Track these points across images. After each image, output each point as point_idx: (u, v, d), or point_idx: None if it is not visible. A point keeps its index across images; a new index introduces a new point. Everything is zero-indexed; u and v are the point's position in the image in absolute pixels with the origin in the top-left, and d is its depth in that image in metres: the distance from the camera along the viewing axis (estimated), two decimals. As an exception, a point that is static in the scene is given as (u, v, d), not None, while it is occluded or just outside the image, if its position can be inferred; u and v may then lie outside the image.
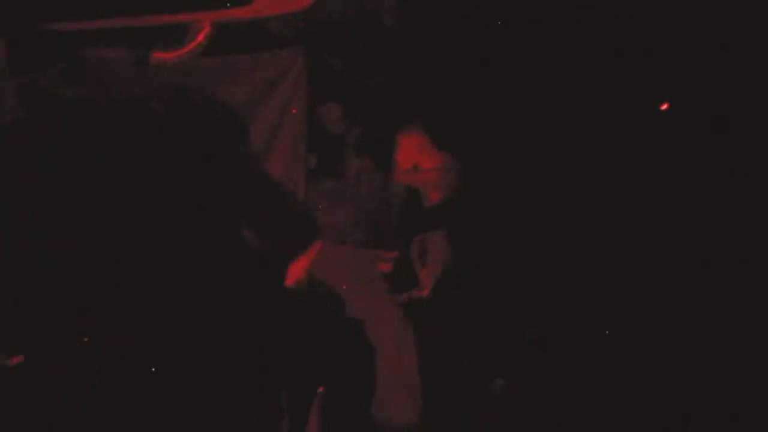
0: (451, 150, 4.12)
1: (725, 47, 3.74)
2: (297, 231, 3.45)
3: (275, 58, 4.27)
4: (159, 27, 4.04)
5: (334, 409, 3.63)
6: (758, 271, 3.70)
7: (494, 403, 3.92)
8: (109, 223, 3.06)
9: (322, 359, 3.49)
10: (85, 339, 3.08)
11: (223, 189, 3.19)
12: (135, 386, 3.05)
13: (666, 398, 3.71)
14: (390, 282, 4.15)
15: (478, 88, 4.03)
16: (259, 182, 3.38)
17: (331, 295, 3.71)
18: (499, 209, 4.00)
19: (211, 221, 3.15)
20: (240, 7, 3.99)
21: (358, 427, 3.73)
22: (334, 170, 4.36)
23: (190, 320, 3.08)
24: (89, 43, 3.99)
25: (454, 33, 4.11)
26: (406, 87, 4.24)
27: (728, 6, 3.75)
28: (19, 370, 3.08)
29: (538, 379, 3.87)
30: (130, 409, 3.03)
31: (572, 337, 3.87)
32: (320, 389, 3.59)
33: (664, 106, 3.91)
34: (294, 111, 4.24)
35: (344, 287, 3.80)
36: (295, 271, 3.45)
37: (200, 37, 4.11)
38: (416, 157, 4.15)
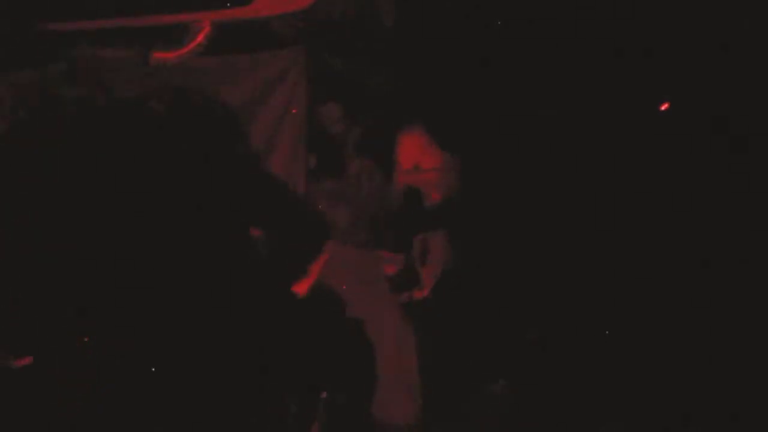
0: (452, 150, 4.12)
1: (725, 47, 3.74)
2: (307, 234, 3.45)
3: (275, 58, 4.26)
4: (159, 27, 4.04)
5: (334, 409, 3.63)
6: (758, 271, 3.70)
7: (494, 403, 3.92)
8: (109, 224, 3.06)
9: (322, 359, 3.49)
10: (85, 339, 3.08)
11: (223, 189, 3.18)
12: (136, 387, 3.05)
13: (666, 398, 3.71)
14: (391, 282, 4.16)
15: (478, 88, 4.03)
16: (263, 183, 3.38)
17: (332, 295, 3.71)
18: (499, 209, 4.00)
19: (211, 221, 3.15)
20: (240, 7, 4.00)
21: (358, 427, 3.73)
22: (334, 170, 4.36)
23: (190, 321, 3.08)
24: (89, 43, 3.99)
25: (454, 33, 4.11)
26: (406, 87, 4.24)
27: (728, 6, 3.75)
28: (19, 370, 3.07)
29: (538, 379, 3.87)
30: (130, 410, 3.03)
31: (572, 337, 3.87)
32: (323, 395, 3.59)
33: (664, 106, 3.91)
34: (294, 111, 4.23)
35: (344, 287, 3.80)
36: (307, 278, 3.45)
37: (200, 37, 4.11)
38: (417, 157, 4.15)
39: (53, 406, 3.05)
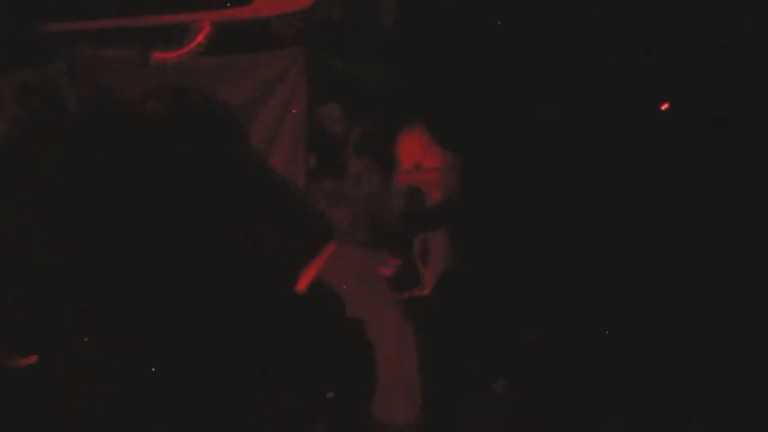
0: (453, 150, 4.12)
1: (725, 47, 3.74)
2: (308, 233, 3.45)
3: (275, 58, 4.26)
4: (159, 27, 4.04)
5: (334, 409, 3.63)
6: (758, 271, 3.70)
7: (494, 403, 3.92)
8: (109, 223, 3.06)
9: (322, 359, 3.49)
10: (86, 339, 3.08)
11: (223, 189, 3.18)
12: (136, 387, 3.05)
13: (666, 398, 3.71)
14: (391, 282, 4.16)
15: (478, 88, 4.03)
16: (264, 183, 3.37)
17: (332, 295, 3.71)
18: (499, 209, 4.00)
19: (211, 221, 3.15)
20: (240, 7, 4.00)
21: (358, 427, 3.73)
22: (334, 170, 4.36)
23: (190, 320, 3.08)
24: (89, 43, 3.99)
25: (454, 33, 4.11)
26: (406, 87, 4.24)
27: (728, 6, 3.75)
28: (20, 370, 3.07)
29: (538, 379, 3.87)
30: (131, 410, 3.03)
31: (572, 338, 3.87)
32: (330, 395, 3.59)
33: (665, 106, 3.91)
34: (294, 111, 4.23)
35: (344, 287, 3.80)
36: (308, 274, 3.45)
37: (200, 37, 4.11)
38: (418, 157, 4.15)
39: (53, 406, 3.05)
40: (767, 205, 3.72)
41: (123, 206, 3.07)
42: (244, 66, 4.22)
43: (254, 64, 4.24)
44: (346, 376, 3.63)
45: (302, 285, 3.43)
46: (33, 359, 3.06)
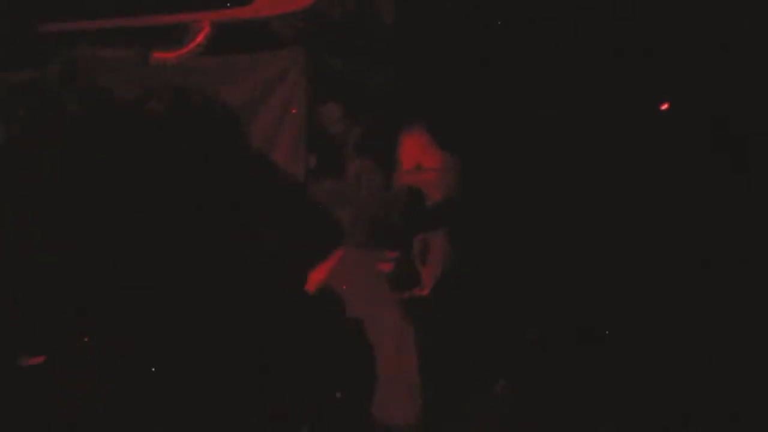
0: (453, 150, 4.12)
1: (725, 47, 3.74)
2: (312, 234, 3.45)
3: (275, 58, 4.26)
4: (159, 27, 4.04)
5: (334, 409, 3.63)
6: (758, 271, 3.70)
7: (494, 403, 3.92)
8: (109, 223, 3.06)
9: (322, 359, 3.49)
10: (88, 339, 3.08)
11: (223, 189, 3.18)
12: (137, 387, 3.05)
13: (666, 398, 3.71)
14: (391, 282, 4.15)
15: (478, 88, 4.03)
16: (264, 183, 3.38)
17: (332, 295, 3.71)
18: (499, 209, 4.00)
19: (211, 221, 3.15)
20: (240, 7, 4.00)
21: (358, 427, 3.73)
22: (334, 170, 4.36)
23: (192, 321, 3.08)
24: (89, 43, 3.99)
25: (454, 33, 4.11)
26: (406, 87, 4.24)
27: (728, 6, 3.75)
28: (23, 369, 3.08)
29: (538, 379, 3.87)
30: (133, 410, 3.04)
31: (572, 338, 3.87)
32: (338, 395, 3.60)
33: (664, 106, 3.91)
34: (294, 111, 4.23)
35: (344, 287, 3.80)
36: (317, 276, 3.45)
37: (200, 37, 4.11)
38: (418, 157, 4.15)
39: (55, 406, 3.05)
40: (767, 205, 3.72)
41: (123, 206, 3.07)
42: (244, 66, 4.22)
43: (254, 64, 4.23)
44: (346, 376, 3.63)
45: (312, 286, 3.43)
46: (38, 359, 3.07)
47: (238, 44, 4.22)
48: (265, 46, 4.28)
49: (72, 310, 3.07)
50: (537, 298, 3.90)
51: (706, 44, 3.76)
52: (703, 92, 3.78)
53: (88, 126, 3.14)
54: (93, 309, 3.07)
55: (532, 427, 3.83)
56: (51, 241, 3.05)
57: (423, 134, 4.15)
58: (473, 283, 3.98)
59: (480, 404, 3.93)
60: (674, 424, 3.68)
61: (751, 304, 3.68)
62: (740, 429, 3.61)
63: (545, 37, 3.93)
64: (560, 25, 3.92)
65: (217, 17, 4.05)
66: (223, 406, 3.13)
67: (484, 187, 4.06)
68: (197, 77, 4.01)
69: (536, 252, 3.90)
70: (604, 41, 3.89)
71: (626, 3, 3.84)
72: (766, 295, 3.67)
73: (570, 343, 3.86)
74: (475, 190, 4.08)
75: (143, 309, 3.07)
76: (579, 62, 3.91)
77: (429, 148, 4.14)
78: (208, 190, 3.16)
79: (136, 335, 3.07)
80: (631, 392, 3.75)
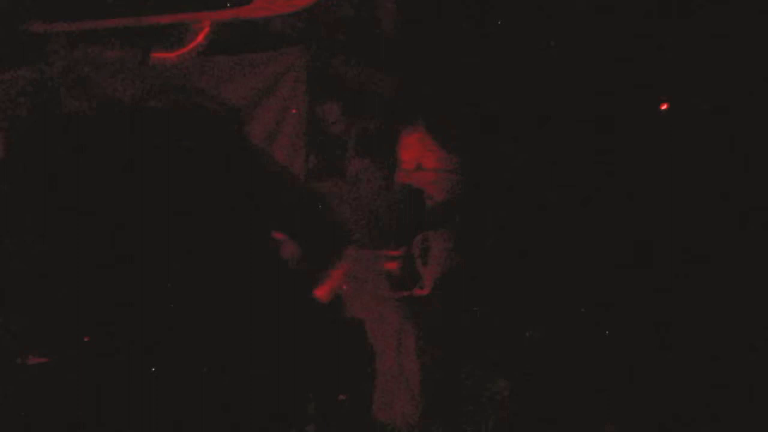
0: (454, 150, 4.12)
1: (725, 47, 3.74)
2: (328, 240, 3.45)
3: (275, 58, 4.26)
4: (159, 27, 4.04)
5: (334, 409, 3.63)
6: (758, 271, 3.70)
7: (494, 403, 3.92)
8: (109, 224, 3.06)
9: (322, 359, 3.49)
10: (86, 339, 3.08)
11: (223, 189, 3.18)
12: (139, 387, 3.05)
13: (666, 398, 3.71)
14: (391, 281, 4.16)
15: (479, 88, 4.03)
16: (264, 183, 3.37)
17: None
18: (500, 209, 4.00)
19: (211, 221, 3.15)
20: (240, 7, 4.00)
21: (358, 427, 3.73)
22: (334, 170, 4.36)
23: (189, 319, 3.08)
24: (89, 43, 3.99)
25: (455, 32, 4.11)
26: (407, 87, 4.24)
27: (728, 6, 3.75)
28: (22, 370, 3.08)
29: (538, 379, 3.87)
30: (136, 411, 3.04)
31: (572, 337, 3.87)
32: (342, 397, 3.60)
33: (664, 107, 3.91)
34: (294, 111, 4.23)
35: (344, 287, 3.80)
36: (329, 284, 3.45)
37: (200, 37, 4.11)
38: (419, 157, 4.15)
39: (56, 406, 3.05)
40: (766, 205, 3.72)
41: (123, 206, 3.07)
42: (244, 66, 4.22)
43: (254, 64, 4.24)
44: (346, 376, 3.63)
45: (322, 292, 3.43)
46: (44, 359, 3.07)
47: (238, 44, 4.22)
48: (265, 46, 4.28)
49: (75, 310, 3.07)
50: (537, 298, 3.90)
51: (706, 44, 3.76)
52: (703, 92, 3.78)
53: (87, 126, 3.14)
54: (98, 312, 3.07)
55: (532, 427, 3.83)
56: (51, 242, 3.05)
57: (423, 134, 4.15)
58: (473, 283, 3.98)
59: (480, 404, 3.93)
60: (674, 424, 3.68)
61: (751, 304, 3.68)
62: (740, 429, 3.61)
63: (546, 37, 3.93)
64: (560, 25, 3.92)
65: (217, 17, 4.05)
66: (224, 405, 3.13)
67: (484, 187, 4.06)
68: (197, 77, 4.01)
69: (536, 252, 3.90)
70: (604, 41, 3.89)
71: (626, 3, 3.85)
72: (766, 295, 3.67)
73: (570, 343, 3.86)
74: (475, 190, 4.08)
75: (146, 309, 3.07)
76: (579, 62, 3.91)
77: (429, 148, 4.14)
78: (208, 190, 3.16)
79: (139, 336, 3.07)
80: (631, 392, 3.75)
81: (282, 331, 3.30)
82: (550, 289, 3.88)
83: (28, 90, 3.28)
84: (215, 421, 3.12)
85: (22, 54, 3.85)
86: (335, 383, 3.61)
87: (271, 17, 4.14)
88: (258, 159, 3.54)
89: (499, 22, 4.09)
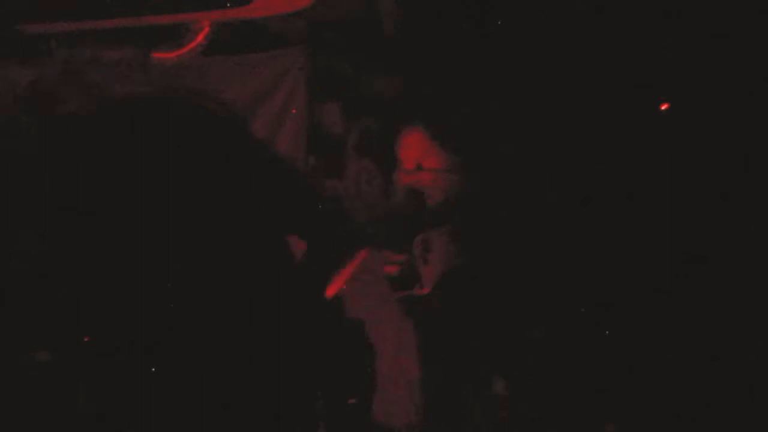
0: (454, 150, 4.12)
1: (725, 47, 3.74)
2: (337, 238, 3.45)
3: (275, 58, 4.27)
4: (159, 27, 4.04)
5: (334, 409, 3.63)
6: (758, 271, 3.70)
7: (494, 403, 3.92)
8: (109, 225, 3.06)
9: (322, 359, 3.49)
10: (86, 339, 3.08)
11: (223, 190, 3.18)
12: (146, 389, 3.05)
13: (666, 398, 3.71)
14: (391, 282, 4.16)
15: (479, 88, 4.03)
16: (264, 182, 3.37)
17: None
18: (500, 209, 4.00)
19: (211, 221, 3.15)
20: (240, 7, 4.00)
21: (358, 427, 3.73)
22: (334, 170, 4.36)
23: (189, 319, 3.08)
24: (89, 43, 3.99)
25: (455, 32, 4.11)
26: (407, 86, 4.24)
27: (728, 6, 3.75)
28: (23, 369, 3.08)
29: (538, 379, 3.87)
30: (139, 411, 3.04)
31: (573, 337, 3.87)
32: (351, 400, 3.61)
33: (664, 106, 3.91)
34: (294, 111, 4.24)
35: (344, 287, 3.80)
36: (338, 281, 3.46)
37: (200, 37, 4.12)
38: (419, 157, 4.16)
39: (57, 407, 3.05)
40: (766, 205, 3.72)
41: (122, 207, 3.06)
42: (244, 66, 4.23)
43: (254, 64, 4.24)
44: (346, 376, 3.63)
45: (331, 292, 3.43)
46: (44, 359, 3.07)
47: (238, 44, 4.22)
48: (265, 46, 4.28)
49: (78, 316, 3.07)
50: (537, 298, 3.90)
51: (706, 44, 3.76)
52: (703, 92, 3.78)
53: (87, 126, 3.13)
54: (99, 312, 3.07)
55: (532, 427, 3.83)
56: (54, 242, 3.05)
57: (423, 134, 4.15)
58: (474, 283, 3.98)
59: (480, 404, 3.93)
60: (674, 425, 3.68)
61: (751, 304, 3.68)
62: (740, 429, 3.61)
63: (546, 37, 3.93)
64: (561, 25, 3.92)
65: (217, 17, 4.05)
66: (224, 405, 3.13)
67: (484, 187, 4.06)
68: (197, 77, 4.01)
69: (537, 252, 3.90)
70: (604, 41, 3.89)
71: (626, 3, 3.85)
72: (766, 295, 3.67)
73: (570, 343, 3.86)
74: (475, 190, 4.08)
75: (146, 309, 3.06)
76: (579, 63, 3.91)
77: (429, 148, 4.14)
78: (208, 190, 3.15)
79: (139, 336, 3.07)
80: (631, 392, 3.75)
81: (282, 331, 3.30)
82: (550, 289, 3.88)
83: (27, 90, 3.28)
84: (216, 421, 3.12)
85: (22, 54, 3.85)
86: (335, 383, 3.61)
87: (271, 17, 4.14)
88: (260, 158, 3.53)
89: (499, 22, 4.09)
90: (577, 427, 3.80)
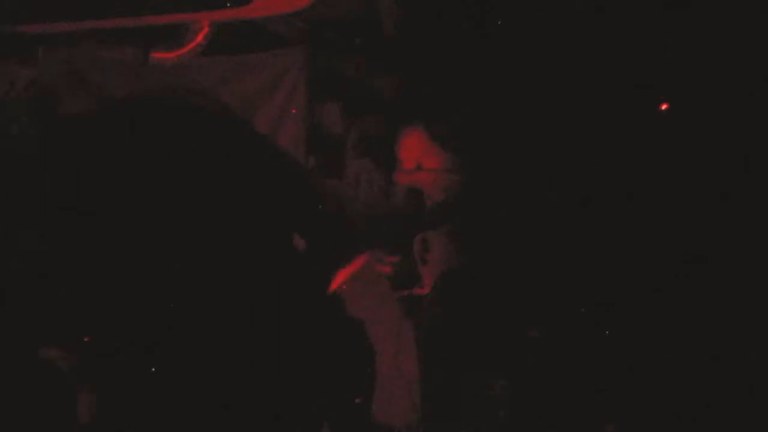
0: (454, 150, 4.12)
1: (725, 47, 3.74)
2: (341, 237, 3.44)
3: (275, 58, 4.27)
4: (159, 27, 4.04)
5: (333, 409, 3.63)
6: (758, 271, 3.70)
7: (494, 403, 3.92)
8: (108, 225, 3.06)
9: (322, 359, 3.49)
10: (86, 339, 3.08)
11: (223, 190, 3.18)
12: (148, 389, 3.05)
13: (666, 398, 3.71)
14: (391, 281, 4.16)
15: (479, 88, 4.03)
16: (264, 182, 3.37)
17: (332, 295, 3.71)
18: (500, 209, 4.00)
19: (210, 222, 3.15)
20: (240, 7, 4.00)
21: (358, 427, 3.73)
22: (334, 170, 4.36)
23: (189, 319, 3.08)
24: (89, 43, 3.99)
25: (455, 32, 4.11)
26: (407, 87, 4.24)
27: (728, 6, 3.75)
28: (29, 370, 3.08)
29: (538, 379, 3.87)
30: (141, 411, 3.04)
31: (572, 337, 3.87)
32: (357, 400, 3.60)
33: (664, 106, 3.91)
34: (294, 111, 4.23)
35: (344, 287, 3.79)
36: (341, 278, 3.45)
37: (200, 37, 4.12)
38: (419, 157, 4.16)
39: (58, 406, 3.06)
40: (766, 205, 3.72)
41: (122, 208, 3.07)
42: (243, 66, 4.23)
43: (254, 64, 4.24)
44: (345, 376, 3.63)
45: (334, 287, 3.43)
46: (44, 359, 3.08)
47: (238, 44, 4.22)
48: (265, 46, 4.28)
49: (78, 310, 3.08)
50: (537, 298, 3.90)
51: (706, 44, 3.76)
52: (703, 92, 3.78)
53: (87, 126, 3.14)
54: (94, 309, 3.07)
55: (532, 427, 3.83)
56: (54, 242, 3.05)
57: (423, 134, 4.15)
58: (474, 283, 3.98)
59: (480, 404, 3.93)
60: (674, 425, 3.68)
61: (751, 304, 3.68)
62: (740, 429, 3.61)
63: (546, 36, 3.93)
64: (561, 25, 3.92)
65: (217, 17, 4.05)
66: (225, 405, 3.13)
67: (484, 186, 4.06)
68: (197, 77, 4.01)
69: (537, 251, 3.90)
70: (604, 41, 3.89)
71: (626, 3, 3.85)
72: (766, 295, 3.67)
73: (570, 343, 3.86)
74: (475, 190, 4.08)
75: (146, 309, 3.07)
76: (579, 63, 3.91)
77: (429, 148, 4.14)
78: (208, 190, 3.15)
79: (144, 336, 3.07)
80: (631, 392, 3.75)
81: (283, 330, 3.30)
82: (550, 289, 3.88)
83: (27, 90, 3.28)
84: (216, 421, 3.12)
85: (22, 54, 3.85)
86: (335, 383, 3.61)
87: (271, 17, 4.14)
88: (260, 157, 3.53)
89: (499, 22, 4.09)
90: (577, 427, 3.80)
